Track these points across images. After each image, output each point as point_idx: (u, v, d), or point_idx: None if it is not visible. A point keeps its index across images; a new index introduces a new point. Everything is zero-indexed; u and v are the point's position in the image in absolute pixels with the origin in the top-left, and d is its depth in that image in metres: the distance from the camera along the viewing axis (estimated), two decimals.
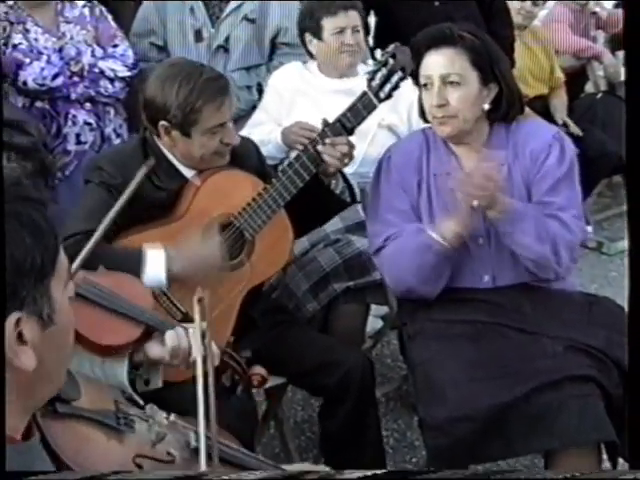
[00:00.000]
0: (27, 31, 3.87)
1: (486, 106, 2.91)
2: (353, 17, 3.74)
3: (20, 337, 1.20)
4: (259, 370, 2.53)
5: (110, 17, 4.02)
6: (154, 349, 2.33)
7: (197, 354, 2.13)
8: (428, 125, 3.03)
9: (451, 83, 2.86)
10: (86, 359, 2.18)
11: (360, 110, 2.93)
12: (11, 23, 3.86)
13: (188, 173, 2.94)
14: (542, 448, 2.80)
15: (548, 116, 5.22)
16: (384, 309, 3.78)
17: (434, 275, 2.86)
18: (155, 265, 2.69)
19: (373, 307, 3.68)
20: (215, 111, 2.82)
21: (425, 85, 2.91)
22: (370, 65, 3.02)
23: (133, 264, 2.66)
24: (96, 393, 1.88)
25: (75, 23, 3.93)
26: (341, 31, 3.74)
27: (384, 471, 1.56)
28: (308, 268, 3.49)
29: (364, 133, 3.58)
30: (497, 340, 2.83)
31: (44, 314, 1.22)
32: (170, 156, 2.93)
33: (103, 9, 4.01)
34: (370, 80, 2.92)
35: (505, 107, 2.94)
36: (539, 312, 2.88)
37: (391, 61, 2.92)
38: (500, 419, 2.66)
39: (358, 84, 3.15)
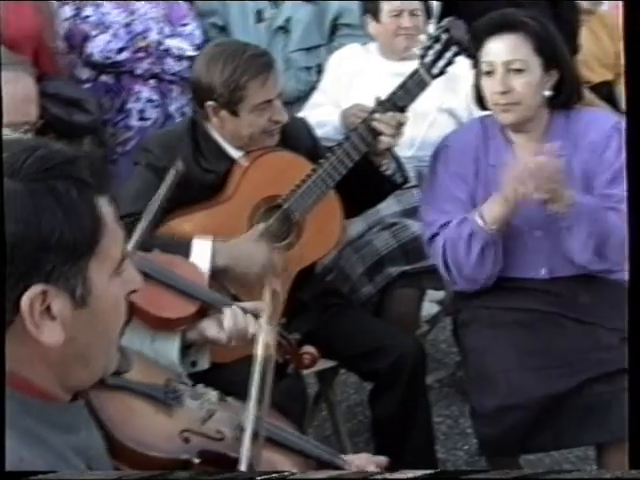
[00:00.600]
0: (99, 5, 3.91)
1: (547, 92, 2.86)
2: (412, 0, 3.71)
3: (48, 311, 1.21)
4: (309, 349, 2.51)
5: None
6: (211, 329, 2.31)
7: (261, 339, 2.03)
8: (486, 113, 2.98)
9: (515, 70, 2.80)
10: (136, 337, 2.17)
11: (411, 87, 2.88)
12: None
13: (236, 154, 2.94)
14: (593, 441, 2.77)
15: (612, 102, 5.13)
16: (440, 294, 3.75)
17: (483, 262, 2.82)
18: (201, 257, 2.69)
19: (429, 292, 3.65)
20: (260, 87, 2.81)
21: (488, 72, 2.86)
22: (423, 41, 2.94)
23: (179, 254, 2.66)
24: (147, 368, 1.90)
25: (148, 0, 3.95)
26: (399, 14, 3.72)
27: (435, 471, 1.54)
28: (363, 251, 3.48)
29: (423, 116, 3.55)
30: (552, 329, 2.79)
31: (77, 294, 1.22)
32: (218, 138, 2.93)
33: None
34: (422, 57, 2.88)
35: (566, 93, 2.88)
36: (596, 302, 2.83)
37: (444, 36, 2.87)
38: (552, 410, 2.63)
39: None
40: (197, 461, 1.72)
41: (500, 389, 2.69)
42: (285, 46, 4.04)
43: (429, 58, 2.87)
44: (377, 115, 2.89)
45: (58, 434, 1.28)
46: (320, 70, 4.02)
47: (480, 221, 2.76)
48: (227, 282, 2.74)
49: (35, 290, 1.19)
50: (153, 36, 3.88)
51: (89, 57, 3.87)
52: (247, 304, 2.33)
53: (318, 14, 4.08)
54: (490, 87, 2.85)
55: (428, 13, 3.77)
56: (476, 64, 2.90)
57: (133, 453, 1.60)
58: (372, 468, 1.98)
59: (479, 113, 3.11)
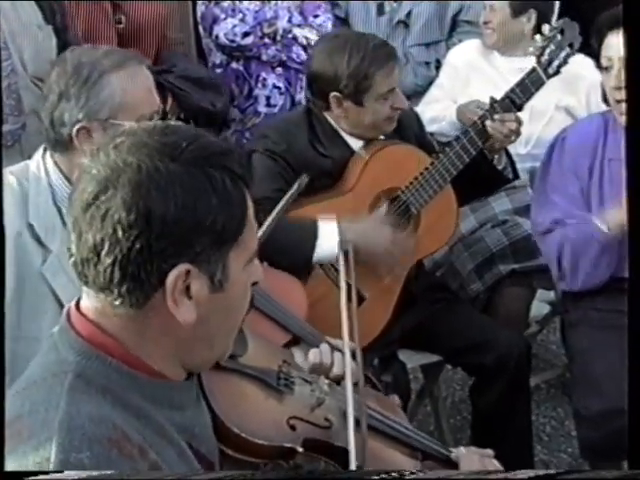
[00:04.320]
0: None
1: None
2: None
3: (187, 291, 1.26)
4: (395, 399, 2.51)
5: None
6: (297, 357, 2.24)
7: (347, 371, 1.98)
8: (608, 108, 2.94)
9: None
10: None
11: (528, 86, 2.89)
12: None
13: (353, 143, 2.96)
14: None
15: None
16: (551, 294, 3.70)
17: (600, 266, 2.79)
18: (328, 238, 2.73)
19: (541, 292, 3.61)
20: (387, 76, 2.83)
21: (606, 68, 2.82)
22: (539, 41, 2.94)
23: (307, 236, 2.73)
24: (264, 351, 1.91)
25: None
26: (484, 8, 3.76)
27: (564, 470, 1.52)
28: (474, 248, 3.47)
29: (541, 114, 3.52)
30: None
31: (216, 278, 1.28)
32: (335, 125, 2.95)
33: None
34: (539, 56, 2.88)
35: None
36: None
37: (559, 37, 2.87)
38: None
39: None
40: (301, 450, 1.71)
41: (605, 393, 2.65)
42: (404, 40, 4.06)
43: (545, 57, 2.87)
44: (497, 116, 2.88)
45: (162, 410, 1.33)
46: (439, 65, 4.03)
47: (603, 226, 2.74)
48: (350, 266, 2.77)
49: (181, 268, 1.24)
50: (281, 24, 3.93)
51: (216, 40, 3.96)
52: (338, 342, 2.31)
53: (439, 10, 4.09)
54: (607, 82, 2.81)
55: (515, 10, 3.70)
56: (599, 60, 2.86)
57: (237, 437, 1.61)
58: (482, 461, 1.96)
59: (598, 111, 3.07)
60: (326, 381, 1.93)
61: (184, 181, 1.23)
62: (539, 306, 3.71)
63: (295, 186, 2.58)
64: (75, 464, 1.18)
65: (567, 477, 1.51)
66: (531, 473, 1.47)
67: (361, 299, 2.80)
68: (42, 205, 2.06)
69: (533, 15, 3.71)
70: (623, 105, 2.78)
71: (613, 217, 2.72)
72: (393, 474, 1.45)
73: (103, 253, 1.22)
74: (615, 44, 2.79)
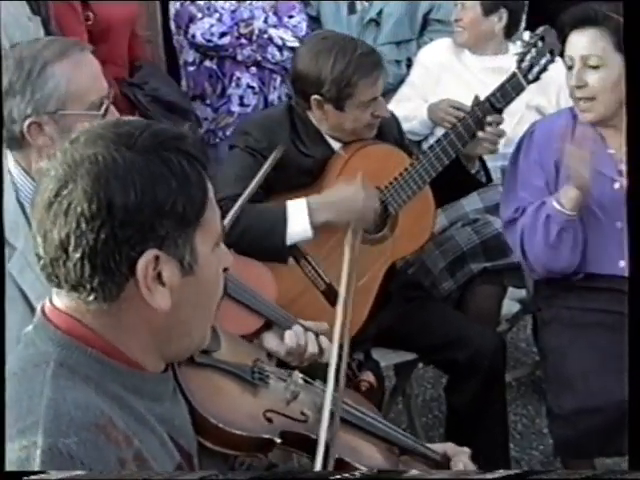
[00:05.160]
0: None
1: None
2: None
3: (159, 277, 1.27)
4: (368, 377, 2.51)
5: None
6: (271, 342, 2.29)
7: (332, 357, 2.05)
8: None
9: (591, 66, 2.77)
10: None
11: (509, 91, 2.91)
12: None
13: (334, 144, 2.96)
14: None
15: None
16: (522, 292, 3.71)
17: (560, 247, 2.80)
18: (298, 217, 2.73)
19: (511, 290, 3.62)
20: (370, 85, 2.83)
21: (569, 67, 2.84)
22: (519, 46, 2.98)
23: (277, 219, 2.71)
24: (236, 347, 1.91)
25: None
26: (455, 6, 3.77)
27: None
28: (445, 246, 3.48)
29: (511, 113, 3.51)
30: None
31: (185, 261, 1.29)
32: (317, 125, 2.94)
33: None
34: (520, 62, 2.90)
35: None
36: None
37: (540, 43, 2.89)
38: None
39: (507, 62, 3.10)
40: (279, 441, 1.72)
41: (579, 391, 2.67)
42: (375, 39, 4.05)
43: (525, 64, 2.90)
44: (489, 128, 2.90)
45: (142, 401, 1.34)
46: (410, 64, 4.03)
47: (557, 205, 2.75)
48: (329, 262, 2.77)
49: (149, 255, 1.25)
50: (257, 24, 3.93)
51: (192, 39, 3.95)
52: (310, 323, 2.32)
53: (409, 8, 4.08)
54: (568, 81, 2.84)
55: (486, 8, 3.72)
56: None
57: (216, 429, 1.61)
58: (463, 458, 1.97)
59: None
60: (300, 375, 1.94)
61: (142, 167, 1.25)
62: (509, 304, 3.73)
63: (271, 158, 2.58)
64: (62, 449, 1.18)
65: (538, 477, 1.51)
66: (503, 473, 1.47)
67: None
68: (5, 202, 2.03)
69: (504, 14, 3.73)
70: (582, 103, 2.81)
71: (566, 194, 2.74)
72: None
73: (70, 249, 1.23)
74: (575, 43, 2.81)
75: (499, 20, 3.73)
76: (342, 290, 2.25)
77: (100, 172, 1.23)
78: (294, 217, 2.72)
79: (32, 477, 1.20)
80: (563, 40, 2.84)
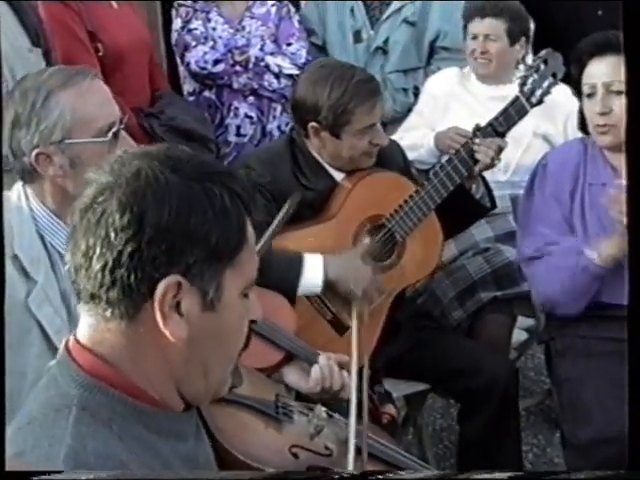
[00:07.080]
0: (208, 20, 4.00)
1: None
2: (488, 24, 3.64)
3: (178, 306, 1.24)
4: (390, 410, 2.49)
5: (296, 17, 4.09)
6: (291, 376, 2.28)
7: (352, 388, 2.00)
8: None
9: (615, 92, 2.77)
10: None
11: (512, 115, 2.93)
12: (195, 10, 4.02)
13: (336, 174, 2.95)
14: None
15: None
16: (530, 321, 3.70)
17: (584, 294, 2.80)
18: (314, 273, 2.73)
19: (518, 319, 3.61)
20: (367, 113, 2.83)
21: (589, 95, 2.83)
22: (522, 70, 2.98)
23: (293, 269, 2.71)
24: (258, 383, 1.92)
25: (258, 19, 4.02)
26: (474, 37, 3.70)
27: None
28: (456, 275, 3.46)
29: (519, 141, 3.52)
30: None
31: (208, 296, 1.26)
32: (318, 157, 2.94)
33: (291, 9, 4.10)
34: (522, 85, 2.91)
35: None
36: None
37: (542, 66, 2.91)
38: None
39: (514, 90, 3.09)
40: None
41: (595, 421, 2.65)
42: (382, 67, 4.05)
43: (528, 87, 2.91)
44: (478, 140, 2.91)
45: (167, 442, 1.31)
46: (417, 92, 4.02)
47: (597, 259, 2.74)
48: (331, 298, 2.78)
49: (172, 279, 1.23)
50: (253, 51, 3.93)
51: (187, 67, 3.96)
52: (333, 355, 2.29)
53: (416, 36, 4.08)
54: (590, 108, 2.83)
55: (512, 38, 3.69)
56: (578, 88, 2.88)
57: (243, 465, 1.60)
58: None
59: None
60: (323, 409, 1.93)
61: (181, 191, 1.23)
62: (517, 333, 3.71)
63: (286, 206, 2.57)
64: None
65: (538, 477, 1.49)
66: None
67: (345, 328, 2.79)
68: (26, 235, 2.02)
69: (524, 42, 3.72)
70: (603, 130, 2.80)
71: (605, 248, 2.73)
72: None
73: (95, 257, 1.22)
74: (597, 70, 2.81)
75: (521, 48, 3.72)
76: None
77: (139, 186, 1.23)
78: (309, 272, 2.73)
79: (32, 477, 1.19)
80: (581, 69, 2.83)
